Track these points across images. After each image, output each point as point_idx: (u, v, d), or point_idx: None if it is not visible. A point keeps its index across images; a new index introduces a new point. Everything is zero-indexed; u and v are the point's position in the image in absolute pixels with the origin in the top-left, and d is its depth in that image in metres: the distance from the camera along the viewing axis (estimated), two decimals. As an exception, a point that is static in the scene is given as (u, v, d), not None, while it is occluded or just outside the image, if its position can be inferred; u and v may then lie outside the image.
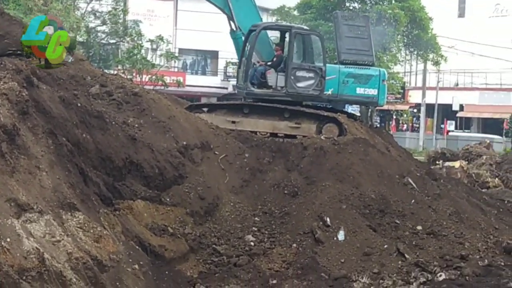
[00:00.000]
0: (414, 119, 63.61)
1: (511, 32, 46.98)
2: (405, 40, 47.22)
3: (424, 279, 12.66)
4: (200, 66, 60.92)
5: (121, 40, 41.35)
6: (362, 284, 12.52)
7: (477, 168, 23.89)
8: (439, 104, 57.90)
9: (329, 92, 19.77)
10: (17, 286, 8.12)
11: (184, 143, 14.90)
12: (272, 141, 17.06)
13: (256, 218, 14.28)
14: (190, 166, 14.56)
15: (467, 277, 12.76)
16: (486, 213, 16.10)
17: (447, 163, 24.33)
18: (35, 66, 11.62)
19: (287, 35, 20.45)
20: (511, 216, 16.95)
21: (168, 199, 13.51)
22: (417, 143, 54.62)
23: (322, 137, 17.14)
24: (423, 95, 56.93)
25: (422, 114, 57.53)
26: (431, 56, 48.65)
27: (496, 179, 22.95)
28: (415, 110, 62.30)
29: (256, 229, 13.96)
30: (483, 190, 20.88)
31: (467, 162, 24.86)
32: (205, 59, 60.52)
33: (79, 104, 12.50)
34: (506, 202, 18.66)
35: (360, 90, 19.92)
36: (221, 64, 56.86)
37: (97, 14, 40.77)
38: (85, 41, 38.14)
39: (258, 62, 20.33)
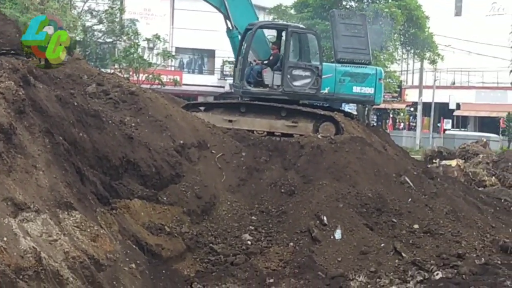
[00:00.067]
0: (411, 117, 63.53)
1: (508, 30, 46.90)
2: (402, 39, 47.18)
3: (421, 278, 12.67)
4: (197, 65, 60.91)
5: (117, 39, 41.25)
6: (359, 282, 12.53)
7: (473, 166, 23.84)
8: (435, 103, 57.84)
9: (326, 91, 19.74)
10: (14, 285, 8.10)
11: (181, 142, 14.91)
12: (269, 140, 17.07)
13: (253, 217, 14.29)
14: (187, 165, 14.56)
15: (463, 276, 12.78)
16: (483, 212, 16.12)
17: (443, 162, 24.30)
18: (35, 66, 11.62)
19: (283, 34, 20.46)
20: (508, 214, 16.97)
21: (165, 198, 13.51)
22: (414, 141, 54.64)
23: (319, 136, 17.12)
24: (420, 94, 56.87)
25: (419, 113, 57.47)
26: (427, 54, 48.62)
27: (493, 177, 22.91)
28: (411, 109, 62.24)
29: (253, 228, 13.98)
30: (480, 189, 20.86)
31: (463, 160, 24.82)
32: (202, 58, 60.49)
33: (75, 103, 12.49)
34: (502, 200, 18.65)
35: (356, 89, 19.89)
36: (218, 63, 56.82)
37: (94, 13, 40.72)
38: (81, 40, 38.06)
39: (255, 61, 20.29)
